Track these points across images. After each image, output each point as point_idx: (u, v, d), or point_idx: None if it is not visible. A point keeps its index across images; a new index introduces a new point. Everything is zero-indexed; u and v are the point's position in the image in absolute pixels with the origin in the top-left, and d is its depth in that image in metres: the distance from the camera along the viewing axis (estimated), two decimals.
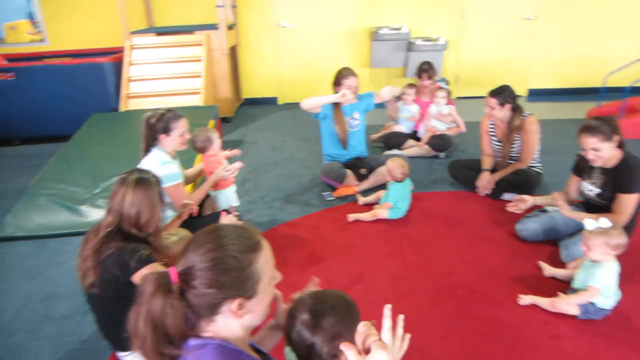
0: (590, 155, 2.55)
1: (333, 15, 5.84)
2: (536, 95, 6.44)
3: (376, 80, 6.14)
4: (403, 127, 4.36)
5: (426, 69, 4.27)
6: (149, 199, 1.86)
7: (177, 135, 2.55)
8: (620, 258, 2.27)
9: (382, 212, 3.14)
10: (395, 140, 4.27)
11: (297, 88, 6.15)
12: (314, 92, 6.00)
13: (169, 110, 2.57)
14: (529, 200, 2.85)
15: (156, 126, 2.51)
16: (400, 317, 1.10)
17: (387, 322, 1.07)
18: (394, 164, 3.16)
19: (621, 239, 2.14)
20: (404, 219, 3.18)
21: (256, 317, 1.07)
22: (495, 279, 2.55)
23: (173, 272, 1.01)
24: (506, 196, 3.38)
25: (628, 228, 2.58)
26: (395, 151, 4.17)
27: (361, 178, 3.59)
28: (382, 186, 3.38)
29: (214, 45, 5.23)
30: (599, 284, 2.16)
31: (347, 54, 6.02)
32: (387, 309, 1.08)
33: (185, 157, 2.97)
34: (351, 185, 3.52)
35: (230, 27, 5.45)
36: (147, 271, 1.74)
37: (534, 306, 2.31)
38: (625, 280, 2.28)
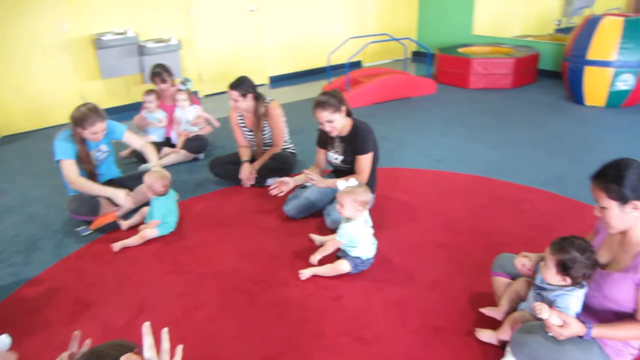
0: (327, 127, 2.81)
1: (37, 25, 5.01)
2: (277, 81, 6.90)
3: (114, 92, 5.63)
4: (154, 137, 4.11)
5: (158, 73, 4.05)
6: None
7: None
8: (371, 211, 2.58)
9: (150, 232, 2.89)
10: None
11: (19, 115, 5.18)
12: (44, 118, 5.24)
13: None
14: (290, 181, 3.00)
15: None
16: (164, 330, 1.00)
17: (147, 340, 0.95)
18: (152, 178, 2.92)
19: (366, 196, 2.42)
20: (177, 231, 3.00)
21: None
22: (276, 263, 2.61)
23: None
24: (270, 182, 3.51)
25: (372, 185, 2.96)
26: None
27: None
28: (147, 204, 3.11)
29: None
30: (341, 238, 2.42)
31: (72, 67, 5.33)
32: (145, 327, 0.96)
33: None
34: (109, 213, 3.14)
35: None
36: None
37: (315, 276, 2.45)
38: (377, 228, 2.60)
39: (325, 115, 2.75)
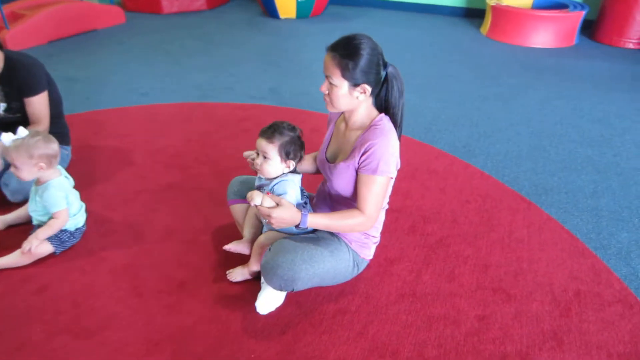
0: None
1: None
2: None
3: None
4: None
5: None
6: None
7: None
8: (71, 167, 1.93)
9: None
10: None
11: None
12: None
13: None
14: None
15: None
16: None
17: None
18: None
19: (48, 147, 1.75)
20: None
21: None
22: None
23: None
24: None
25: (62, 134, 2.30)
26: None
27: None
28: None
29: None
30: (63, 204, 1.77)
31: None
32: None
33: None
34: None
35: None
36: None
37: (3, 271, 1.73)
38: (84, 187, 2.00)
39: None
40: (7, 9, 4.72)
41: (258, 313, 1.55)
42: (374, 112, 1.50)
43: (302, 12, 5.30)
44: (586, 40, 4.74)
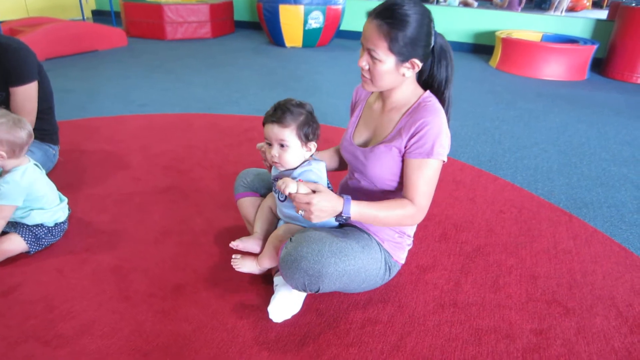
0: None
1: None
2: None
3: None
4: None
5: None
6: None
7: None
8: (60, 168, 1.70)
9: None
10: None
11: None
12: None
13: None
14: None
15: None
16: None
17: None
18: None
19: (15, 135, 1.43)
20: None
21: None
22: None
23: None
24: None
25: (51, 133, 2.10)
26: None
27: None
28: None
29: None
30: (14, 200, 1.48)
31: None
32: None
33: None
34: None
35: None
36: None
37: None
38: (69, 188, 1.75)
39: None
40: (5, 25, 4.62)
41: (271, 320, 1.27)
42: (419, 88, 1.28)
43: (309, 42, 5.24)
44: (597, 76, 4.67)
